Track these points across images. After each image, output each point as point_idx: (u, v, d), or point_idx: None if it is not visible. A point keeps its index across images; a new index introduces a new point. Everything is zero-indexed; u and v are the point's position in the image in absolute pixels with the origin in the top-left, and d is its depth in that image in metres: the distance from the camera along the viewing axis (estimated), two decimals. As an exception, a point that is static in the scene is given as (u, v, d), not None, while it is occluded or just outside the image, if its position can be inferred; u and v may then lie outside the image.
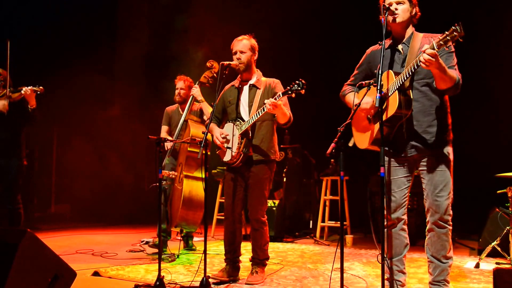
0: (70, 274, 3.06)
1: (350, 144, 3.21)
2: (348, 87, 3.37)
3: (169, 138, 4.98)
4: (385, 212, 3.12)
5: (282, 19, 7.94)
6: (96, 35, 8.49)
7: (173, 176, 4.82)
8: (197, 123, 4.99)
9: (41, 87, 4.65)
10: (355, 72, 3.35)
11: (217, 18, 7.55)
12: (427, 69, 2.73)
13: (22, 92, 4.58)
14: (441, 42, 2.58)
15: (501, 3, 6.25)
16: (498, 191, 4.50)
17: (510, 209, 4.31)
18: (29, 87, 4.59)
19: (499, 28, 6.24)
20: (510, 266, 4.19)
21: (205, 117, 4.99)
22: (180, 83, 5.21)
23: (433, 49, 2.63)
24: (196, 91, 4.85)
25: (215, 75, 4.83)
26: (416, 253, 5.00)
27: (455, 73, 2.84)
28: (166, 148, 5.04)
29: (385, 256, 2.66)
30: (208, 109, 4.88)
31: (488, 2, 6.39)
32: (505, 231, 4.36)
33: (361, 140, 3.17)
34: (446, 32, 2.57)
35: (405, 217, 3.10)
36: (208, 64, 4.86)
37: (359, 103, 3.01)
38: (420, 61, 2.67)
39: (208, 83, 4.92)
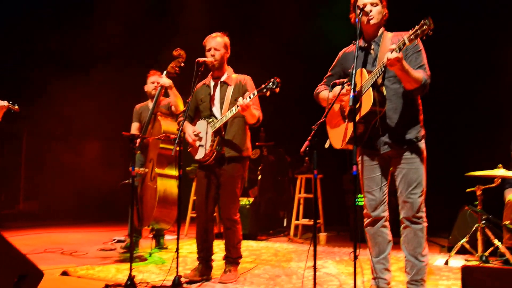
0: (37, 274, 2.98)
1: (326, 145, 3.22)
2: (322, 86, 3.38)
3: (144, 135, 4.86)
4: (364, 211, 3.16)
5: (259, 16, 7.93)
6: (70, 28, 8.28)
7: (143, 173, 4.71)
8: (167, 118, 4.87)
9: (17, 107, 4.56)
10: (328, 73, 3.37)
11: (197, 12, 7.51)
12: (391, 69, 2.77)
13: None
14: (412, 37, 2.61)
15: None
16: (467, 190, 4.59)
17: (478, 207, 4.40)
18: (5, 103, 4.47)
19: (472, 26, 6.36)
20: (478, 263, 4.28)
21: (173, 108, 4.81)
22: (155, 77, 5.11)
23: (401, 46, 2.67)
24: (164, 79, 4.63)
25: (182, 64, 4.68)
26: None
27: (421, 74, 2.87)
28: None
29: (357, 255, 2.66)
30: (178, 95, 4.71)
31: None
32: (473, 228, 4.44)
33: (337, 139, 3.18)
34: (416, 26, 2.60)
35: (386, 213, 3.13)
36: (175, 53, 4.68)
37: (333, 102, 3.04)
38: (384, 62, 2.73)
39: (175, 73, 4.71)
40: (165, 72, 4.71)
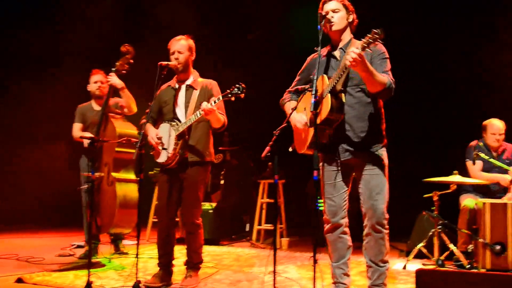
0: (-10, 281, 2.89)
1: (290, 149, 3.26)
2: (288, 95, 3.42)
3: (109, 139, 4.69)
4: (324, 217, 3.20)
5: (228, 20, 7.93)
6: (37, 26, 8.04)
7: (98, 177, 4.53)
8: (120, 119, 4.72)
9: None
10: (297, 78, 3.42)
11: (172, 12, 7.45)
12: (354, 69, 2.82)
13: None
14: (364, 44, 2.69)
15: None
16: (425, 195, 4.72)
17: (435, 212, 4.53)
18: None
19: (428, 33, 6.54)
20: (434, 266, 4.40)
21: (126, 110, 4.69)
22: (98, 76, 4.95)
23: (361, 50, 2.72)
24: (115, 79, 4.43)
25: (131, 61, 4.48)
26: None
27: (386, 77, 2.92)
28: (85, 146, 4.74)
29: (317, 259, 2.70)
30: (130, 96, 4.56)
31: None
32: (430, 233, 4.57)
33: (300, 144, 3.24)
34: (368, 35, 2.68)
35: (345, 220, 3.17)
36: (123, 49, 4.48)
37: (296, 107, 3.08)
38: (346, 60, 2.75)
39: (124, 70, 4.49)
40: (113, 70, 4.47)
